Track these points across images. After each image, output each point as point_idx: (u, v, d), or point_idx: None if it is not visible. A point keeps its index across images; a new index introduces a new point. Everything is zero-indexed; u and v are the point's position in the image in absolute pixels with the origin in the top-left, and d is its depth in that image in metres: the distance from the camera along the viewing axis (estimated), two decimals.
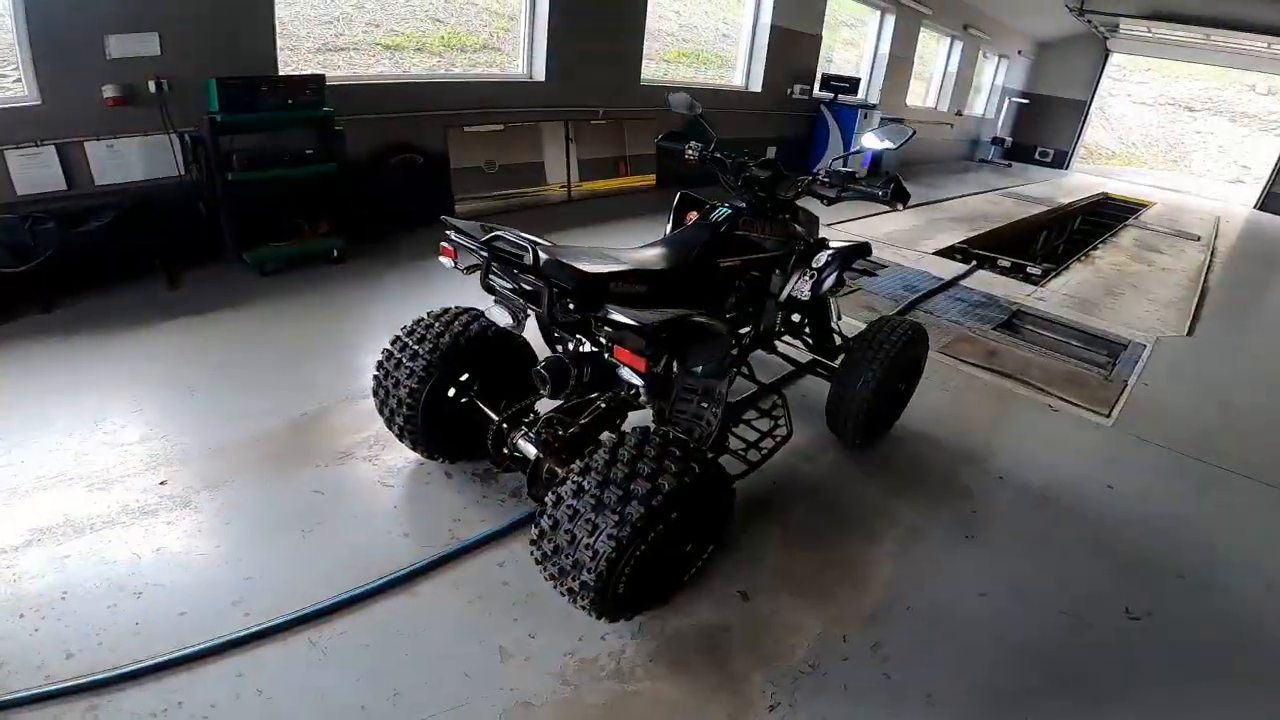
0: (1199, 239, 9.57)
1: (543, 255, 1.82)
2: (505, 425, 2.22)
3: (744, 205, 2.63)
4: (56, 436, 2.61)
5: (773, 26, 8.32)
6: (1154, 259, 7.81)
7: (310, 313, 3.82)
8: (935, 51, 13.30)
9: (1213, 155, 23.25)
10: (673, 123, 7.52)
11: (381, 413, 2.42)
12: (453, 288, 4.21)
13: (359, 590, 2.04)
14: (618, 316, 1.73)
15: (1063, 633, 2.23)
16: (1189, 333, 5.29)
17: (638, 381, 1.71)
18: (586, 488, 1.74)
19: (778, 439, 2.66)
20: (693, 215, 2.88)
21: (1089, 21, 13.91)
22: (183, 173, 4.16)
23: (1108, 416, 3.65)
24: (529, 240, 1.89)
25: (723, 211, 2.54)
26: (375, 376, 2.40)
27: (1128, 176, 18.05)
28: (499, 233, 1.91)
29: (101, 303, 3.69)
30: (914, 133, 2.83)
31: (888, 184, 2.45)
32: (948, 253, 6.68)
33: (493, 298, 2.08)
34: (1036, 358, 4.29)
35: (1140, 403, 3.87)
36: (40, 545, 2.11)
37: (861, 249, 2.83)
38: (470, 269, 2.09)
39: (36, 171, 3.89)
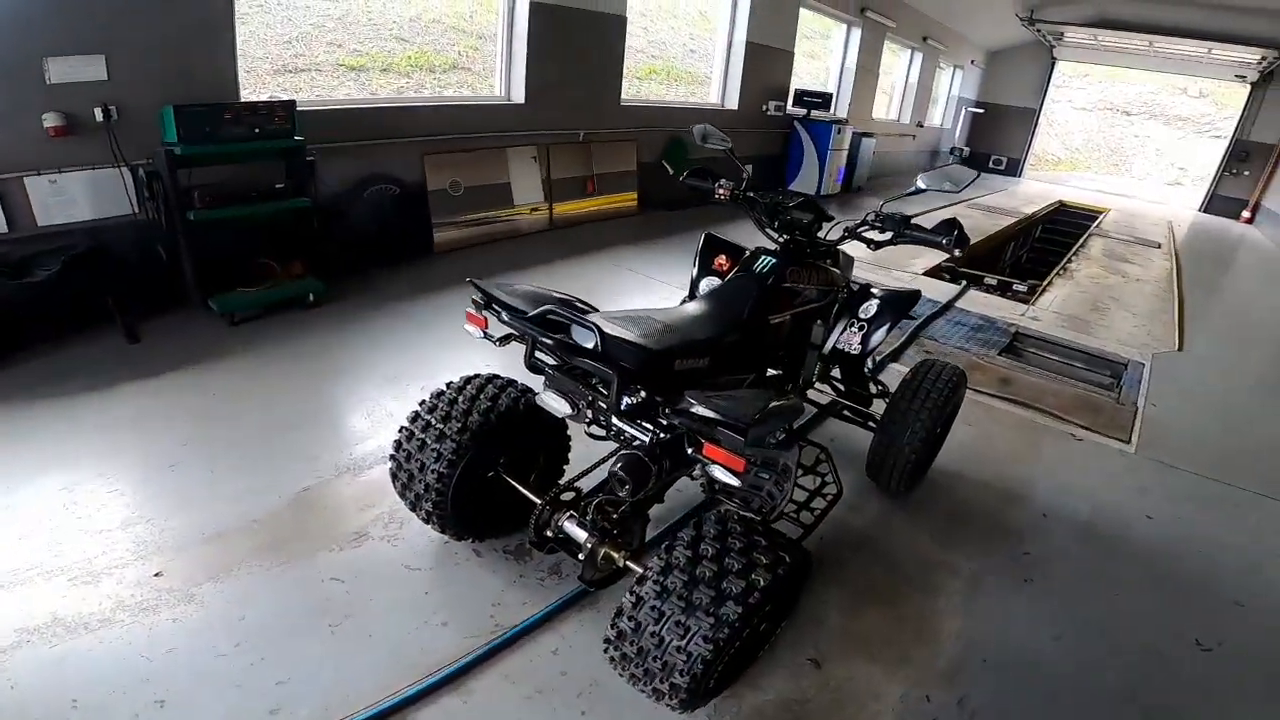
0: (1160, 246, 10.07)
1: (607, 332, 1.70)
2: (549, 507, 2.07)
3: (784, 252, 2.55)
4: (24, 523, 2.34)
5: (748, 43, 8.41)
6: (1126, 269, 8.15)
7: (291, 367, 3.57)
8: (897, 64, 13.74)
9: (1151, 158, 24.72)
10: (654, 148, 7.55)
11: (404, 497, 2.24)
12: (447, 334, 4.08)
13: (409, 692, 1.86)
14: (703, 410, 1.60)
15: (1140, 670, 2.26)
16: (1179, 347, 5.50)
17: (733, 482, 1.59)
18: (671, 588, 1.63)
19: (828, 498, 2.59)
20: (721, 259, 2.80)
21: (1038, 30, 14.62)
22: (137, 211, 3.86)
23: (1129, 443, 3.72)
24: (591, 319, 1.73)
25: (767, 261, 2.43)
26: (394, 458, 2.21)
27: (1075, 182, 18.94)
28: (550, 306, 1.75)
29: (52, 361, 3.38)
30: (979, 174, 2.82)
31: (950, 229, 2.39)
32: (935, 272, 6.81)
33: (543, 379, 1.94)
34: (1048, 383, 4.36)
35: (1154, 425, 3.96)
36: (31, 646, 1.89)
37: (912, 297, 2.78)
38: (505, 339, 1.94)
39: None
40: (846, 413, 3.13)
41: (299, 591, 2.19)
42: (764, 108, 9.07)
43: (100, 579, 2.15)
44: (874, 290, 2.76)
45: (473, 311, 1.94)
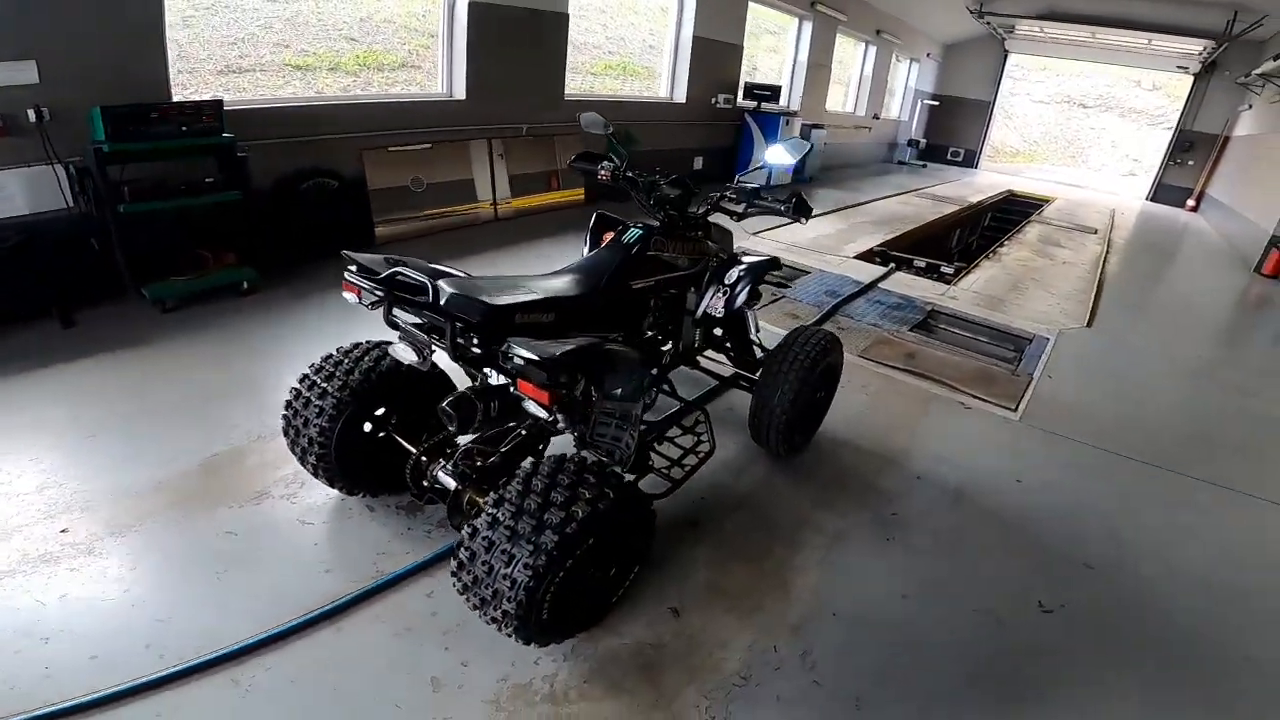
0: (1096, 232, 10.36)
1: (446, 289, 1.86)
2: (424, 458, 2.24)
3: (656, 225, 2.73)
4: None
5: (695, 38, 8.58)
6: (1055, 253, 8.42)
7: (218, 349, 3.70)
8: (852, 57, 13.95)
9: (1107, 150, 25.19)
10: (591, 141, 7.69)
11: (293, 451, 2.40)
12: (374, 317, 4.16)
13: (281, 628, 2.02)
14: (520, 350, 1.78)
15: (980, 630, 2.35)
16: (1089, 324, 5.74)
17: (543, 414, 1.78)
18: (501, 519, 1.78)
19: (700, 455, 2.76)
20: (609, 235, 2.97)
21: (987, 23, 14.88)
22: (71, 205, 3.97)
23: (1015, 411, 3.92)
24: (429, 274, 1.92)
25: (634, 233, 2.62)
26: (285, 416, 2.37)
27: (1031, 173, 19.33)
28: (399, 268, 1.93)
29: None
30: (812, 146, 3.01)
31: (790, 199, 2.60)
32: (867, 256, 7.02)
33: (397, 334, 2.10)
34: (951, 356, 4.57)
35: (1045, 396, 4.17)
36: None
37: (771, 263, 2.98)
38: (374, 304, 2.09)
39: None
40: (742, 383, 3.31)
41: (193, 544, 2.34)
42: (713, 100, 9.24)
43: (10, 536, 2.29)
44: (741, 259, 2.94)
45: (348, 280, 2.10)
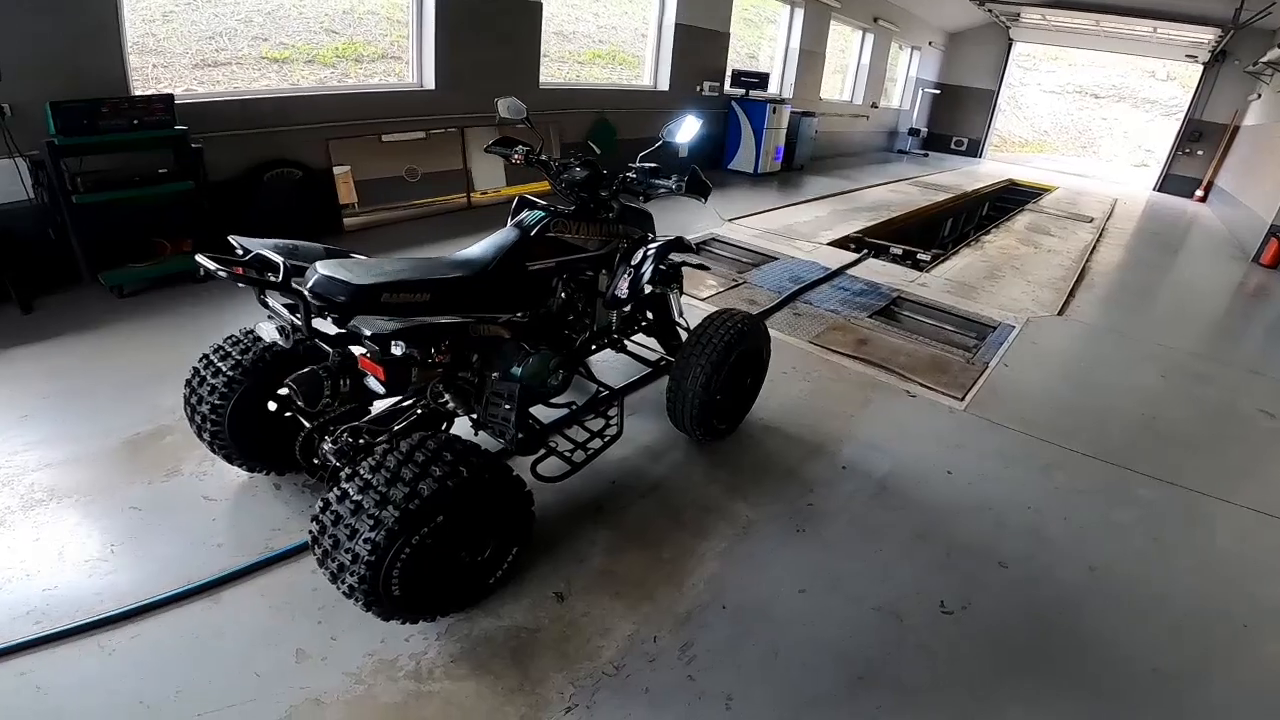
0: (1091, 221, 10.10)
1: (318, 271, 1.86)
2: (315, 434, 2.25)
3: (562, 208, 2.70)
4: None
5: (678, 25, 8.50)
6: (1042, 241, 8.23)
7: (169, 333, 3.74)
8: (850, 45, 13.73)
9: (1118, 140, 24.54)
10: (578, 130, 7.67)
11: (192, 425, 2.43)
12: None
13: (157, 598, 2.06)
14: (363, 329, 1.78)
15: (876, 631, 2.25)
16: (1060, 312, 5.60)
17: (379, 389, 1.78)
18: (350, 493, 1.79)
19: (605, 439, 2.75)
20: None
21: (990, 11, 14.54)
22: (31, 196, 4.04)
23: (961, 400, 3.84)
24: (316, 256, 1.95)
25: (534, 215, 2.59)
26: (184, 394, 2.40)
27: (1038, 163, 18.89)
28: (260, 250, 1.95)
29: None
30: (702, 123, 3.01)
31: (683, 178, 2.56)
32: (842, 243, 6.91)
33: (266, 313, 2.11)
34: (906, 344, 4.50)
35: (997, 385, 4.07)
36: None
37: (675, 244, 2.93)
38: (250, 284, 2.08)
39: None
40: (663, 365, 3.28)
41: (97, 518, 2.38)
42: (698, 88, 9.15)
43: None
44: (649, 240, 2.90)
45: (236, 265, 2.11)
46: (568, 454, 2.63)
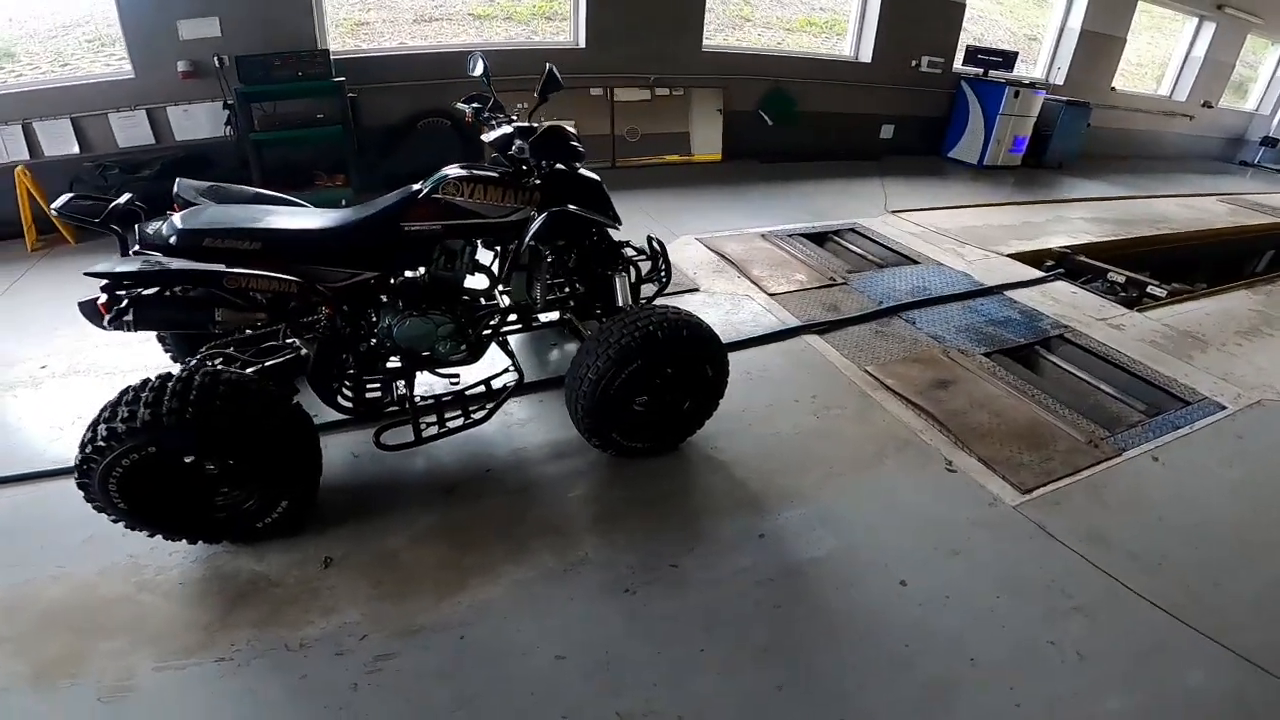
0: None
1: (170, 220, 2.07)
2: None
3: (480, 171, 2.40)
4: None
5: None
6: None
7: None
8: (1170, 29, 10.33)
9: None
10: (748, 96, 6.94)
11: None
12: None
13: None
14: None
15: None
16: None
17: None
18: (114, 403, 1.84)
19: (466, 421, 2.49)
20: None
21: None
22: (228, 133, 4.93)
23: (1024, 493, 2.60)
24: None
25: (435, 177, 2.37)
26: None
27: None
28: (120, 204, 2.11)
29: None
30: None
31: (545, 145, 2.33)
32: (1035, 257, 5.27)
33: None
34: (1007, 398, 3.23)
35: (1113, 486, 2.69)
36: None
37: (560, 216, 2.40)
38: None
39: (132, 130, 4.90)
40: None
41: None
42: (913, 63, 7.62)
43: None
44: (561, 211, 2.43)
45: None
46: (432, 423, 2.43)
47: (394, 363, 2.51)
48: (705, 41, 6.67)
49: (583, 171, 2.59)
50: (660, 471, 2.59)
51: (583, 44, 6.06)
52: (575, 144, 2.38)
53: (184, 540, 2.05)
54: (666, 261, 3.07)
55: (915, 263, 4.84)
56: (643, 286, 3.10)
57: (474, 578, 2.08)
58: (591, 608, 2.02)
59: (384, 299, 2.41)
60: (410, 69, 5.48)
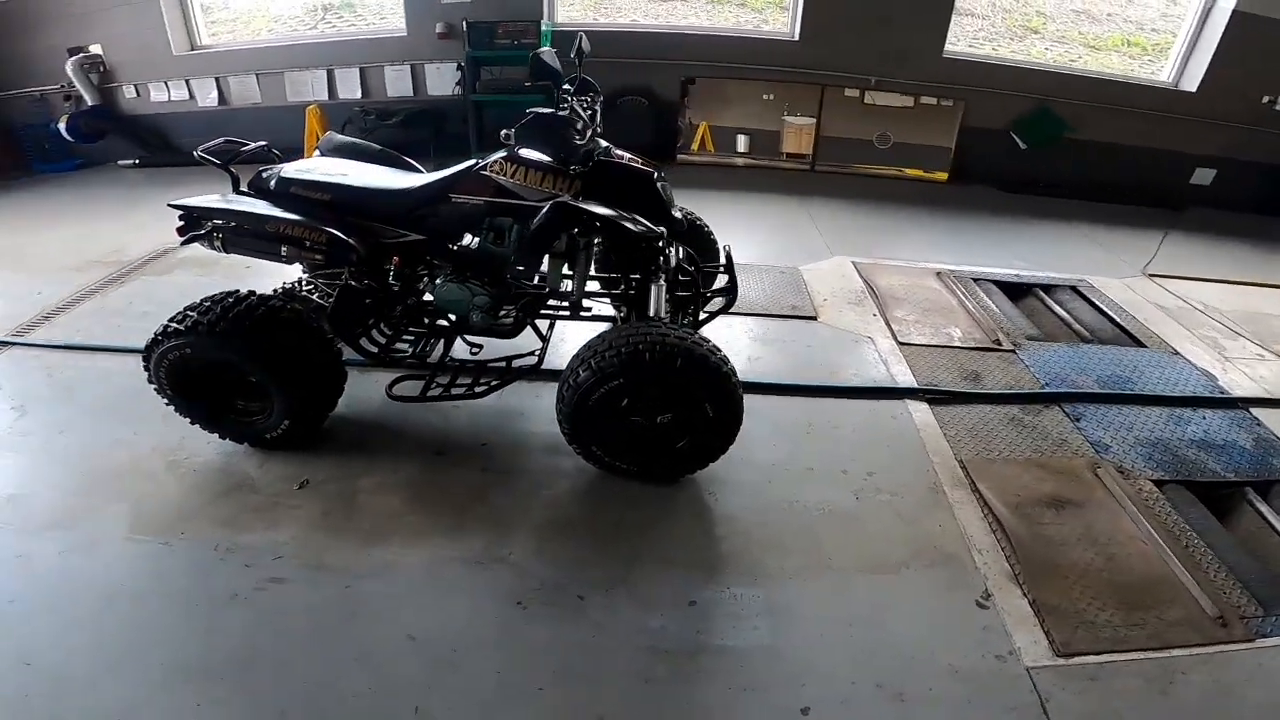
0: None
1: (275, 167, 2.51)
2: None
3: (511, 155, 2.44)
4: None
5: (1236, 13, 5.33)
6: None
7: None
8: None
9: None
10: (993, 114, 5.81)
11: None
12: None
13: None
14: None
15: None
16: None
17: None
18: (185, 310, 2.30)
19: (473, 393, 2.58)
20: None
21: None
22: (455, 92, 5.66)
23: (1063, 657, 1.89)
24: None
25: (498, 152, 2.46)
26: None
27: None
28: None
29: None
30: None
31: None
32: None
33: None
34: (1141, 541, 2.33)
35: (1199, 674, 1.86)
36: None
37: (580, 215, 2.31)
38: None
39: (399, 82, 5.89)
40: None
41: None
42: (1266, 99, 5.62)
43: None
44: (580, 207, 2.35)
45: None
46: (439, 382, 2.61)
47: (441, 322, 2.73)
48: (949, 46, 5.74)
49: (634, 165, 2.48)
50: (640, 499, 2.44)
51: (797, 36, 5.64)
52: (569, 132, 2.27)
53: (215, 434, 2.50)
54: (732, 277, 2.81)
55: (1140, 345, 3.72)
56: (711, 300, 2.91)
57: (402, 537, 2.21)
58: (476, 606, 2.01)
59: (436, 263, 2.62)
60: (619, 45, 5.66)
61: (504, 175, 2.40)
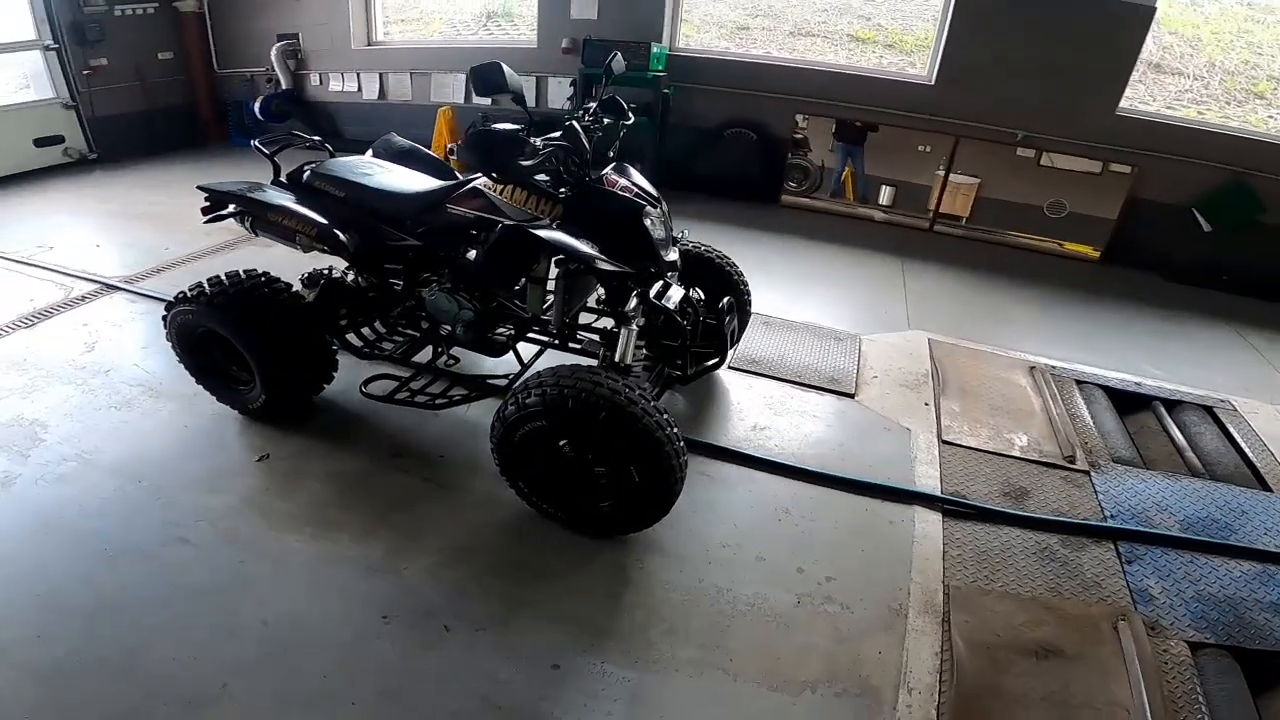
0: None
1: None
2: None
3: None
4: None
5: None
6: None
7: None
8: None
9: None
10: (1172, 186, 4.88)
11: None
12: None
13: None
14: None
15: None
16: None
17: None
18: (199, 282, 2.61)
19: (436, 403, 2.65)
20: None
21: None
22: (567, 106, 5.87)
23: None
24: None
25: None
26: None
27: None
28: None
29: None
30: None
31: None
32: None
33: None
34: (1125, 701, 1.87)
35: None
36: None
37: (531, 241, 2.27)
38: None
39: (525, 92, 6.24)
40: None
41: None
42: None
43: None
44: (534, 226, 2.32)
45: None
46: (407, 390, 2.70)
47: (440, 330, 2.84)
48: (1123, 103, 4.92)
49: (622, 195, 2.39)
50: (565, 547, 2.34)
51: (933, 80, 5.15)
52: (510, 151, 2.19)
53: (215, 399, 2.79)
54: (722, 334, 2.64)
55: (1265, 488, 2.96)
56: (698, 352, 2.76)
57: (315, 528, 2.31)
58: (344, 610, 2.05)
59: (440, 271, 2.71)
60: (730, 76, 5.56)
61: (494, 191, 2.44)
